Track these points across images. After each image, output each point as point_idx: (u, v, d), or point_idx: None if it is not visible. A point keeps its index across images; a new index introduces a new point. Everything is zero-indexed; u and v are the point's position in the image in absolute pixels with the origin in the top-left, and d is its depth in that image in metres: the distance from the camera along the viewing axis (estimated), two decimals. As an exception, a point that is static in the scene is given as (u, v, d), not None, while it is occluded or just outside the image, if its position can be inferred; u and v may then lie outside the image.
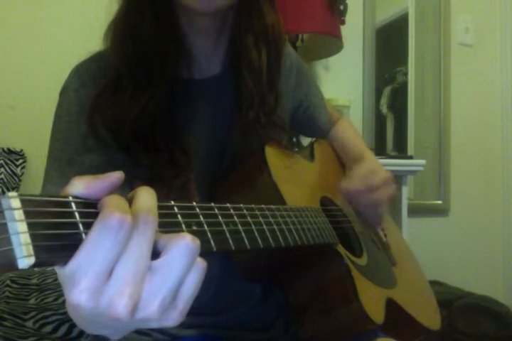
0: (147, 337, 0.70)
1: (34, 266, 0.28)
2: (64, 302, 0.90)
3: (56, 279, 1.10)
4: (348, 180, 0.81)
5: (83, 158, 0.61)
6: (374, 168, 0.83)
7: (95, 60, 0.68)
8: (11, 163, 1.47)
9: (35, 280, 1.10)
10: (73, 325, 1.01)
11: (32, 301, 1.03)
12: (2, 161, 1.45)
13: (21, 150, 1.51)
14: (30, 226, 0.28)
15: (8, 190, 1.41)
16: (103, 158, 0.61)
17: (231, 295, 0.73)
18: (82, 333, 1.01)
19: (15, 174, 1.47)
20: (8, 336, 0.95)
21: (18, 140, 1.52)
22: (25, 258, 0.27)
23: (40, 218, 0.29)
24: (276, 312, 0.77)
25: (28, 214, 0.28)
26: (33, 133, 1.49)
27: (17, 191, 1.44)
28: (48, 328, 0.99)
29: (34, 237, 0.28)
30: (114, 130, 0.61)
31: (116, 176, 0.33)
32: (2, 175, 1.43)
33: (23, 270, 0.28)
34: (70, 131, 0.63)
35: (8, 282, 1.07)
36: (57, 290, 1.06)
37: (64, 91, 0.66)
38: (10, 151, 1.49)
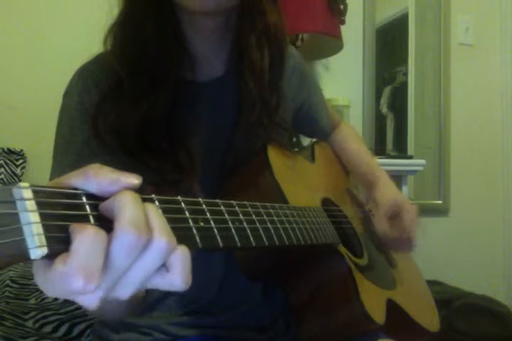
0: (148, 336, 0.70)
1: (47, 256, 0.28)
2: (64, 302, 0.90)
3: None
4: (378, 223, 0.82)
5: (86, 163, 0.61)
6: (396, 199, 0.84)
7: (97, 63, 0.68)
8: (10, 163, 1.47)
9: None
10: (73, 325, 1.01)
11: (32, 301, 1.03)
12: (2, 161, 1.45)
13: (21, 150, 1.51)
14: (42, 216, 0.28)
15: (8, 190, 1.40)
16: (107, 162, 0.61)
17: (232, 295, 0.73)
18: (82, 333, 1.01)
19: (15, 174, 1.47)
20: (9, 336, 0.95)
21: (18, 140, 1.52)
22: (37, 248, 0.27)
23: (51, 209, 0.28)
24: (277, 313, 0.77)
25: (39, 204, 0.28)
26: (33, 133, 1.49)
27: (17, 191, 1.44)
28: (48, 328, 0.99)
29: (46, 228, 0.28)
30: (117, 135, 0.61)
31: (134, 182, 0.33)
32: (2, 175, 1.43)
33: (34, 260, 0.27)
34: (71, 136, 0.63)
35: (8, 282, 1.07)
36: (57, 290, 1.06)
37: (66, 95, 0.66)
38: (10, 151, 1.49)
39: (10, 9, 1.56)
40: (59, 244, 0.28)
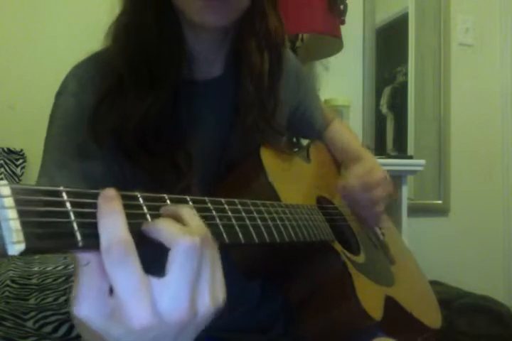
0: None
1: (25, 252, 0.28)
2: (64, 302, 0.89)
3: (56, 279, 1.10)
4: (345, 179, 0.81)
5: (75, 165, 0.60)
6: (371, 167, 0.83)
7: (93, 62, 0.67)
8: (10, 163, 1.47)
9: (35, 280, 1.10)
10: (73, 325, 1.01)
11: (32, 301, 1.03)
12: (2, 161, 1.45)
13: (21, 150, 1.51)
14: (21, 213, 0.28)
15: (8, 190, 1.41)
16: (99, 166, 0.60)
17: (230, 297, 0.72)
18: (82, 333, 1.01)
19: (15, 174, 1.47)
20: (8, 336, 0.95)
21: (18, 140, 1.52)
22: (14, 244, 0.27)
23: (30, 206, 0.29)
24: (276, 314, 0.76)
25: (18, 202, 0.28)
26: (33, 133, 1.48)
27: (17, 191, 1.44)
28: (48, 328, 0.99)
29: (24, 224, 0.28)
30: (116, 135, 0.60)
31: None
32: (2, 175, 1.43)
33: (13, 256, 0.28)
34: (62, 136, 0.62)
35: (8, 282, 1.07)
36: (57, 290, 1.06)
37: (61, 94, 0.64)
38: (10, 151, 1.49)
39: (10, 9, 1.56)
40: (37, 240, 0.28)
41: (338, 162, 0.95)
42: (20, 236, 0.28)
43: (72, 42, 1.54)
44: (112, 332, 0.34)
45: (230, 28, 0.68)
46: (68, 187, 0.32)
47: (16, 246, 0.27)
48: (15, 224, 0.28)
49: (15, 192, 0.28)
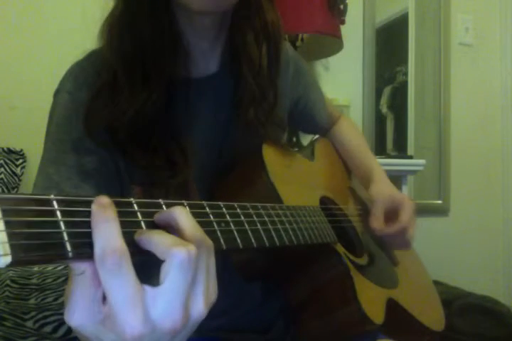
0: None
1: (11, 265, 0.27)
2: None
3: (56, 279, 1.10)
4: (374, 218, 0.80)
5: (71, 160, 0.60)
6: (392, 194, 0.83)
7: (89, 60, 0.67)
8: (10, 163, 1.47)
9: (35, 280, 1.10)
10: (73, 325, 1.01)
11: (32, 301, 1.03)
12: (2, 161, 1.45)
13: (21, 150, 1.51)
14: (8, 224, 0.27)
15: (8, 190, 1.41)
16: (95, 161, 0.60)
17: (230, 297, 0.72)
18: (82, 333, 1.01)
19: (15, 174, 1.47)
20: (8, 336, 0.95)
21: (18, 140, 1.52)
22: (0, 257, 0.26)
23: (18, 216, 0.28)
24: (277, 314, 0.76)
25: (5, 212, 0.27)
26: (33, 133, 1.48)
27: (17, 191, 1.44)
28: (48, 328, 0.99)
29: (11, 236, 0.27)
30: (110, 131, 0.60)
31: None
32: (2, 175, 1.43)
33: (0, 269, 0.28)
34: (58, 134, 0.62)
35: (8, 282, 1.07)
36: (57, 290, 1.06)
37: (58, 93, 0.65)
38: (10, 151, 1.49)
39: (10, 9, 1.56)
40: (24, 251, 0.27)
41: (345, 162, 0.95)
42: (7, 249, 0.27)
43: (72, 43, 1.54)
44: (104, 338, 0.33)
45: (225, 17, 0.68)
46: (59, 195, 0.31)
47: (1, 259, 0.26)
48: (1, 236, 0.27)
49: (2, 203, 0.27)
